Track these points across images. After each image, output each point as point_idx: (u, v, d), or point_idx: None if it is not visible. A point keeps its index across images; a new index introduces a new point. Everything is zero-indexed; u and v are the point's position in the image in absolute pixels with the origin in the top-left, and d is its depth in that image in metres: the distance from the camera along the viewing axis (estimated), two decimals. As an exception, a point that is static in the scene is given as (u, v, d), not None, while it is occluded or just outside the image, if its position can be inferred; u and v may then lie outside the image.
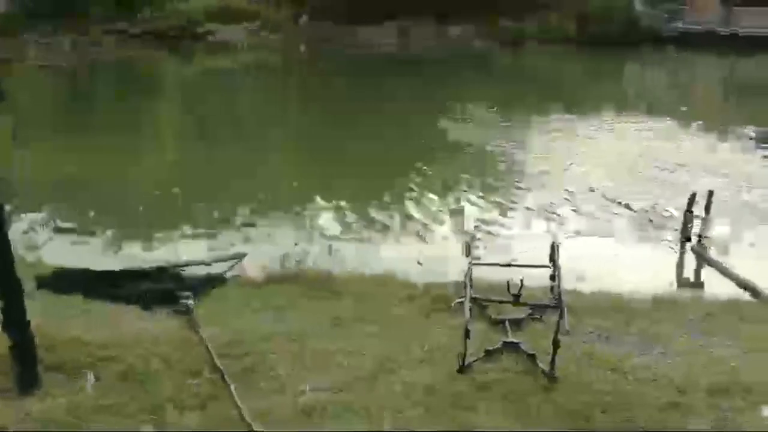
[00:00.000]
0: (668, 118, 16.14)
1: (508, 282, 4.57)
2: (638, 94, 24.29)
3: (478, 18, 38.19)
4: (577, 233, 8.37)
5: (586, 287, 6.07)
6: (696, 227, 8.05)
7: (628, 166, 11.56)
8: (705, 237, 8.04)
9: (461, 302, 4.63)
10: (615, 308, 5.53)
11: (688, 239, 7.91)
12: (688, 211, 7.93)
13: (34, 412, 3.80)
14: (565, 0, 38.79)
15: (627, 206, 9.35)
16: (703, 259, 7.63)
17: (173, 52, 32.70)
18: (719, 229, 8.34)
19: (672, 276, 7.42)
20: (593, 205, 9.44)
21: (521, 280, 4.57)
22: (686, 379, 4.31)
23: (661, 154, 12.39)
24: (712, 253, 7.72)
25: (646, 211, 9.17)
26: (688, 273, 7.66)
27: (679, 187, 9.83)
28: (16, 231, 7.80)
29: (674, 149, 13.02)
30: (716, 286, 6.77)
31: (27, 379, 4.03)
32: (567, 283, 5.80)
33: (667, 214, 9.00)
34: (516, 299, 4.50)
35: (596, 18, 36.44)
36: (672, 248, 8.00)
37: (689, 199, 7.94)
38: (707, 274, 7.36)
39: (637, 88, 26.45)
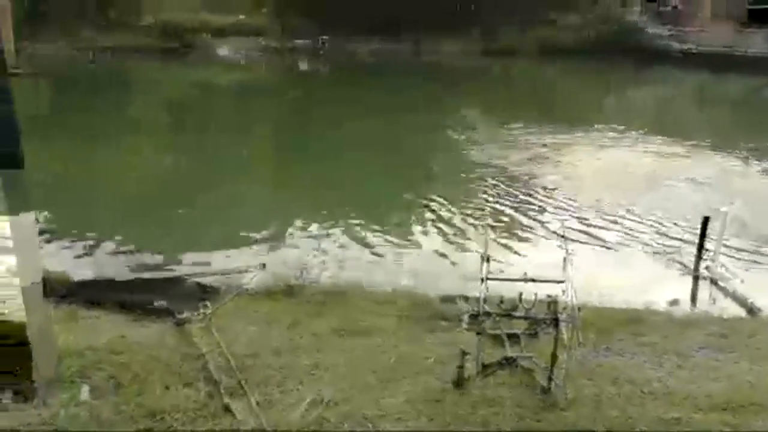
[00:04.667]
0: (682, 136, 16.11)
1: (520, 295, 4.57)
2: (648, 111, 24.36)
3: (478, 31, 38.60)
4: (591, 247, 8.37)
5: (597, 301, 6.05)
6: (711, 245, 8.00)
7: (641, 182, 11.57)
8: (719, 256, 7.98)
9: (468, 315, 4.64)
10: (627, 323, 5.52)
11: (703, 258, 7.87)
12: (703, 230, 7.89)
13: (33, 423, 3.83)
14: (569, 15, 39.19)
15: (641, 222, 9.34)
16: (717, 277, 7.60)
17: (171, 63, 32.89)
18: (733, 248, 8.29)
19: (687, 293, 7.37)
20: (607, 220, 9.44)
21: (520, 294, 4.57)
22: (701, 395, 4.28)
23: (676, 171, 12.40)
24: (726, 272, 7.68)
25: (661, 227, 9.15)
26: (704, 290, 7.61)
27: (694, 206, 9.81)
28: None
29: (688, 166, 13.01)
30: (732, 305, 6.74)
31: (47, 380, 4.05)
32: (578, 297, 5.85)
33: (682, 232, 8.97)
34: (526, 313, 4.49)
35: (602, 34, 36.73)
36: (687, 266, 7.96)
37: (703, 218, 7.91)
38: (723, 292, 7.32)
39: (646, 105, 26.53)
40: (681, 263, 8.09)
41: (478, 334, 4.06)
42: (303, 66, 35.83)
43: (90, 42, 34.44)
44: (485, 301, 4.39)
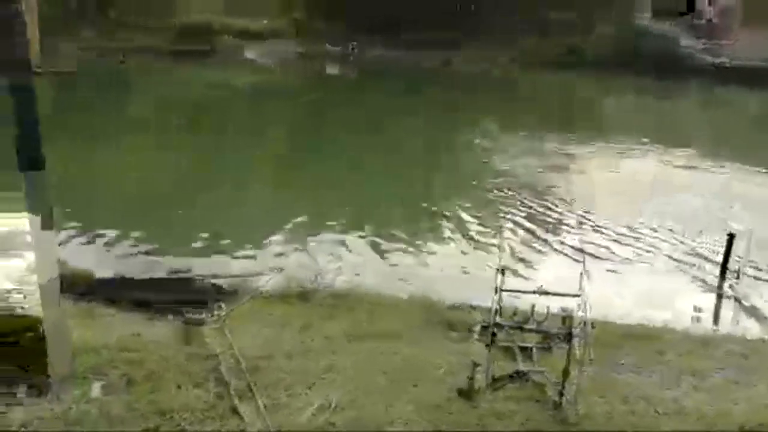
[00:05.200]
0: (710, 152, 15.78)
1: (532, 307, 4.54)
2: (678, 125, 23.98)
3: (510, 42, 38.44)
4: (613, 263, 8.25)
5: (617, 317, 5.97)
6: (736, 265, 7.83)
7: (666, 198, 11.37)
8: (744, 276, 7.81)
9: (481, 326, 4.61)
10: (646, 340, 5.43)
11: (727, 277, 7.71)
12: (728, 249, 7.73)
13: (46, 417, 3.89)
14: (601, 25, 38.85)
15: (666, 239, 9.17)
16: (741, 297, 7.44)
17: (198, 65, 33.15)
18: (760, 268, 8.10)
19: (710, 312, 7.21)
20: (630, 236, 9.30)
21: (532, 307, 4.53)
22: (718, 415, 4.19)
23: (701, 188, 12.16)
24: (751, 292, 7.51)
25: (686, 245, 8.98)
26: (727, 310, 7.44)
27: (720, 224, 9.59)
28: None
29: (715, 183, 12.75)
30: (757, 326, 6.59)
31: (62, 376, 4.12)
32: (597, 312, 5.76)
33: (707, 250, 8.78)
34: (538, 327, 4.44)
35: (636, 47, 36.34)
36: (711, 285, 7.79)
37: (728, 237, 7.76)
38: (747, 313, 7.16)
39: (675, 119, 26.13)
40: (703, 280, 7.92)
41: (486, 346, 4.01)
42: (332, 70, 36.00)
43: (122, 42, 35.00)
44: (497, 312, 4.36)
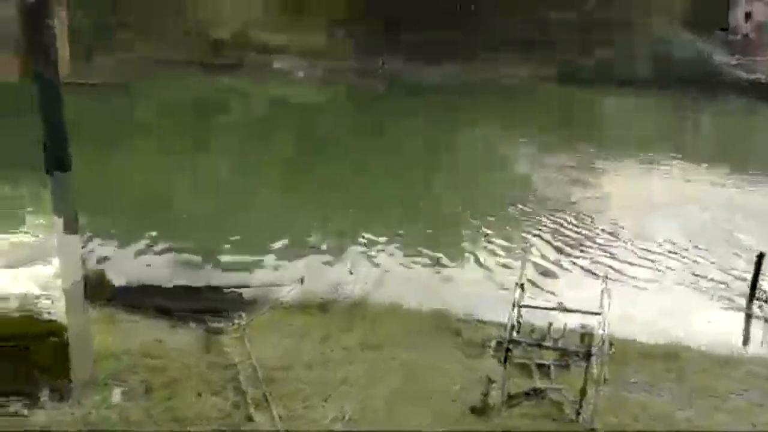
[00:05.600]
0: (743, 171, 15.48)
1: (549, 325, 4.52)
2: (705, 142, 23.66)
3: (536, 55, 38.35)
4: (636, 280, 8.14)
5: (637, 335, 5.89)
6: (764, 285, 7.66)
7: (693, 216, 11.21)
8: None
9: (497, 342, 4.59)
10: (665, 359, 5.35)
11: (756, 297, 7.54)
12: (757, 269, 7.57)
13: (66, 421, 3.98)
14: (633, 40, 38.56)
15: (693, 260, 9.02)
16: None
17: (231, 77, 33.69)
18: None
19: (736, 333, 7.05)
20: (655, 253, 9.17)
21: (549, 324, 4.50)
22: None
23: (731, 207, 11.94)
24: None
25: (713, 264, 8.81)
26: (755, 332, 7.28)
27: (748, 243, 9.42)
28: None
29: (746, 203, 12.49)
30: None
31: (84, 380, 4.21)
32: (618, 330, 5.71)
33: (735, 270, 8.62)
34: (555, 344, 4.42)
35: (668, 61, 35.96)
36: (738, 305, 7.64)
37: (757, 256, 7.59)
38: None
39: (703, 136, 25.80)
40: (729, 299, 7.77)
41: (499, 362, 4.00)
42: (363, 84, 36.37)
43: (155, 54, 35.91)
44: (513, 328, 4.34)
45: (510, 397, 4.35)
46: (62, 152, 3.84)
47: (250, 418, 4.15)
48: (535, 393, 4.49)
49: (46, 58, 3.62)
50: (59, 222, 3.97)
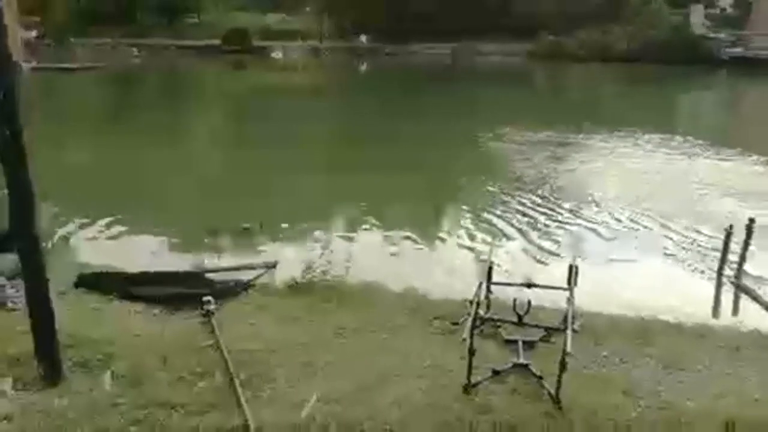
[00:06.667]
0: (713, 142, 15.62)
1: (514, 301, 4.54)
2: (683, 115, 23.85)
3: (522, 34, 38.54)
4: (608, 255, 8.21)
5: (609, 310, 5.96)
6: (735, 256, 7.75)
7: (665, 189, 11.32)
8: (743, 266, 7.72)
9: (466, 320, 4.61)
10: (636, 333, 5.41)
11: (725, 268, 7.63)
12: (726, 239, 7.65)
13: (54, 406, 3.98)
14: (616, 18, 38.74)
15: (662, 230, 9.13)
16: (740, 289, 7.35)
17: (230, 65, 34.01)
18: (759, 259, 8.00)
19: (705, 305, 7.13)
20: (626, 227, 9.26)
21: (528, 301, 4.53)
22: (700, 409, 4.18)
23: (702, 179, 12.09)
24: (751, 283, 7.42)
25: (683, 236, 8.92)
26: (724, 303, 7.37)
27: (719, 214, 9.53)
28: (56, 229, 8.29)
29: (716, 174, 12.63)
30: (753, 318, 6.51)
31: (50, 368, 4.19)
32: (590, 305, 5.78)
33: (705, 240, 8.73)
34: (520, 320, 4.46)
35: (649, 38, 36.14)
36: (708, 276, 7.73)
37: (727, 227, 7.67)
38: (744, 305, 7.09)
39: (682, 109, 25.99)
40: (701, 271, 7.86)
41: (463, 340, 4.02)
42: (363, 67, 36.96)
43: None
44: (479, 305, 4.37)
45: (495, 372, 4.38)
46: (15, 132, 3.74)
47: (226, 403, 4.15)
48: (515, 368, 4.53)
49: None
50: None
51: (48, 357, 4.21)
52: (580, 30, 38.07)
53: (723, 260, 7.64)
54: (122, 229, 8.70)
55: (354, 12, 41.89)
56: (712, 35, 36.83)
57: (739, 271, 7.53)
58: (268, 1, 47.06)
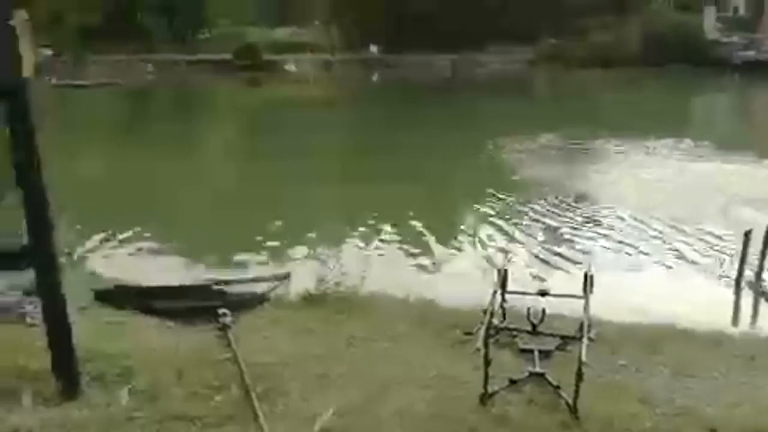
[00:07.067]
0: (727, 147, 15.49)
1: (528, 310, 4.53)
2: (697, 121, 23.72)
3: (527, 40, 38.45)
4: (622, 262, 8.17)
5: (624, 318, 5.92)
6: (754, 263, 7.66)
7: (679, 195, 11.25)
8: (762, 272, 7.63)
9: (480, 329, 4.59)
10: (651, 341, 5.36)
11: (743, 274, 7.55)
12: (745, 247, 7.57)
13: (73, 420, 4.01)
14: (625, 22, 38.55)
15: (677, 236, 9.07)
16: (759, 295, 7.28)
17: (244, 81, 34.39)
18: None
19: (722, 312, 7.06)
20: (643, 235, 9.21)
21: (543, 310, 4.51)
22: (716, 417, 4.13)
23: (716, 184, 11.99)
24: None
25: (699, 242, 8.85)
26: (742, 310, 7.29)
27: (736, 219, 9.44)
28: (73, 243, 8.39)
29: (731, 180, 12.51)
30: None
31: (68, 381, 4.22)
32: (605, 313, 5.74)
33: (722, 246, 8.65)
34: (534, 329, 4.44)
35: (660, 42, 35.89)
36: (725, 283, 7.66)
37: (745, 233, 7.60)
38: (765, 312, 7.02)
39: (695, 114, 25.86)
40: (719, 277, 7.79)
41: (477, 350, 4.00)
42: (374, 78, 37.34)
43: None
44: (493, 315, 4.35)
45: (512, 382, 4.36)
46: (32, 156, 3.79)
47: (241, 416, 4.15)
48: (531, 377, 4.50)
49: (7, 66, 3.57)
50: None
51: (66, 372, 4.23)
52: (582, 33, 37.82)
53: (741, 267, 7.57)
54: (137, 242, 8.79)
55: (354, 14, 41.97)
56: (724, 39, 36.57)
57: (758, 277, 7.46)
58: (276, 15, 47.41)
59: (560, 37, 38.80)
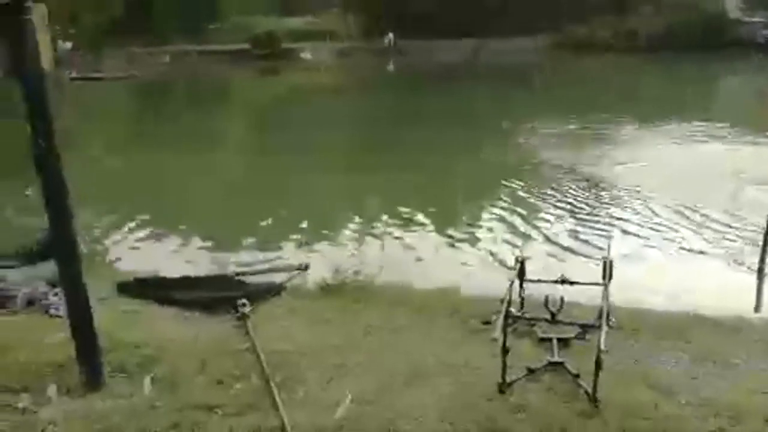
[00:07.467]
0: (752, 130, 15.20)
1: (546, 298, 4.50)
2: (721, 103, 23.31)
3: (547, 26, 37.98)
4: (643, 248, 8.09)
5: (644, 305, 5.87)
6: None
7: (703, 180, 11.08)
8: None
9: (497, 317, 4.58)
10: (672, 328, 5.31)
11: (766, 260, 7.43)
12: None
13: (97, 411, 4.08)
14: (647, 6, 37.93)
15: (700, 221, 8.94)
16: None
17: (262, 70, 34.45)
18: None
19: (745, 299, 6.95)
20: (663, 220, 9.10)
21: (561, 298, 4.48)
22: (739, 405, 4.09)
23: (739, 168, 11.78)
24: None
25: (722, 227, 8.72)
26: (765, 297, 7.19)
27: (759, 204, 9.28)
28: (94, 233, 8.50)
29: (755, 163, 12.28)
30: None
31: (92, 372, 4.29)
32: (624, 300, 5.69)
33: (745, 232, 8.52)
34: (553, 317, 4.41)
35: (683, 23, 35.33)
36: (748, 268, 7.54)
37: (768, 217, 7.47)
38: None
39: (719, 97, 25.40)
40: (741, 263, 7.68)
41: (493, 339, 3.99)
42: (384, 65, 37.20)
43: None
44: (510, 303, 4.33)
45: (530, 371, 4.36)
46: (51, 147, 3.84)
47: (262, 404, 4.20)
48: (550, 366, 4.49)
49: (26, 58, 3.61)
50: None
51: (89, 363, 4.31)
52: (598, 18, 37.30)
53: (764, 252, 7.45)
54: (157, 232, 8.88)
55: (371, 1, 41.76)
56: (747, 19, 35.84)
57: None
58: (286, 4, 47.21)
59: (584, 23, 38.26)
